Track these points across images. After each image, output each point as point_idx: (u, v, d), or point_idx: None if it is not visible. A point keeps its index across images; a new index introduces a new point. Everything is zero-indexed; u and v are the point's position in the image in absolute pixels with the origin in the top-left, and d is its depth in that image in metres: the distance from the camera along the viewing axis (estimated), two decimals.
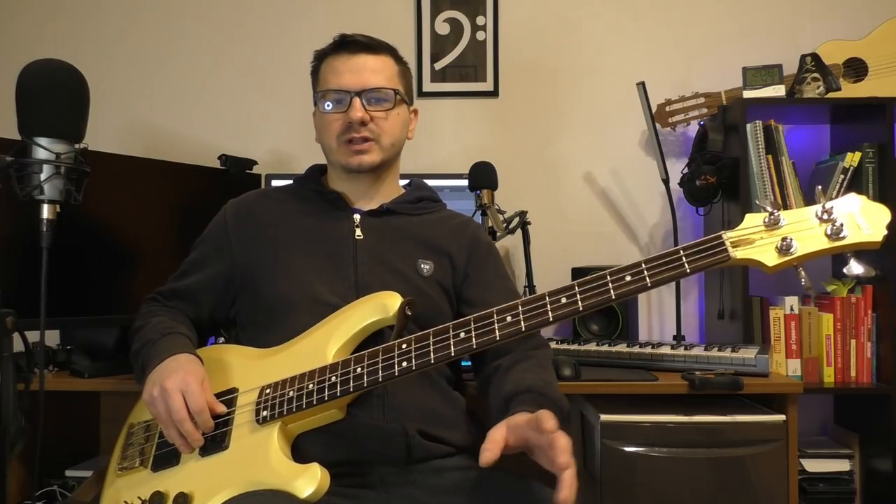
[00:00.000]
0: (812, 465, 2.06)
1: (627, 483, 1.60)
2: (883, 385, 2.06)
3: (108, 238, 1.81)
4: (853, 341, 2.10)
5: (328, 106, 1.38)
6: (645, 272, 1.08)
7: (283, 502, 1.09)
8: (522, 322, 1.12)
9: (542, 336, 1.40)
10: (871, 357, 2.10)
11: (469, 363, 1.45)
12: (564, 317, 1.11)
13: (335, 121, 1.37)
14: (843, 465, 2.08)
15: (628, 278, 1.08)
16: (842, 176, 2.10)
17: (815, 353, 2.10)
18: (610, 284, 1.09)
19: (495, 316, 1.14)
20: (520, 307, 1.13)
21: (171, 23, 2.48)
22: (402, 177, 1.54)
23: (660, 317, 2.40)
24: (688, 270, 1.06)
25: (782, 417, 1.61)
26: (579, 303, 1.10)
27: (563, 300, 1.11)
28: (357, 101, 1.35)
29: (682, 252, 1.07)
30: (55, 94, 1.25)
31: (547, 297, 1.12)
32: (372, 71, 1.38)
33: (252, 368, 1.28)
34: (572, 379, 1.67)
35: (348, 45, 1.39)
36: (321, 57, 1.43)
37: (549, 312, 1.11)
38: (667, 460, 1.59)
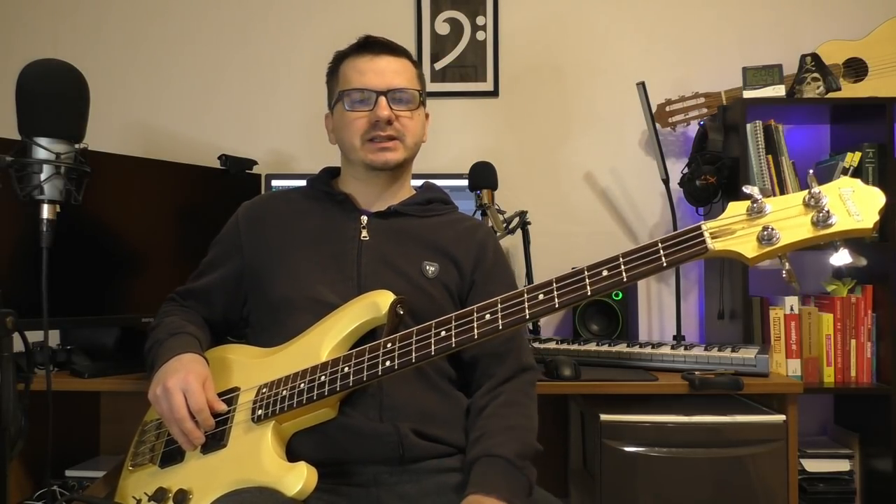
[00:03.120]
0: (812, 465, 2.06)
1: (627, 483, 1.60)
2: (883, 385, 2.07)
3: (108, 238, 1.81)
4: (853, 341, 2.10)
5: (351, 105, 1.38)
6: (622, 266, 1.06)
7: (269, 500, 1.10)
8: (500, 320, 1.11)
9: (528, 354, 1.38)
10: (871, 357, 2.10)
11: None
12: (541, 314, 1.10)
13: (359, 119, 1.37)
14: (843, 465, 2.08)
15: (605, 273, 1.06)
16: (842, 176, 2.10)
17: (815, 353, 2.10)
18: (587, 280, 1.07)
19: (475, 314, 1.13)
20: (499, 304, 1.12)
21: (172, 23, 2.48)
22: (431, 180, 1.55)
23: (660, 317, 2.40)
24: (664, 264, 1.03)
25: (782, 417, 1.61)
26: (555, 300, 1.08)
27: (541, 297, 1.09)
28: (383, 100, 1.36)
29: (659, 245, 1.04)
30: (55, 94, 1.24)
31: (525, 294, 1.11)
32: (395, 72, 1.39)
33: (253, 368, 1.30)
34: (572, 379, 1.67)
35: (371, 46, 1.40)
36: (341, 58, 1.44)
37: (526, 310, 1.10)
38: (667, 460, 1.59)
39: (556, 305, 1.08)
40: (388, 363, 1.15)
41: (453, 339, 1.13)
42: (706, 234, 1.01)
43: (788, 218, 0.98)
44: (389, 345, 1.17)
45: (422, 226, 1.42)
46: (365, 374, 1.16)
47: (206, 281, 1.45)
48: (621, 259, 1.06)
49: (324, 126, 1.49)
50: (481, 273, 1.41)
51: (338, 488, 1.21)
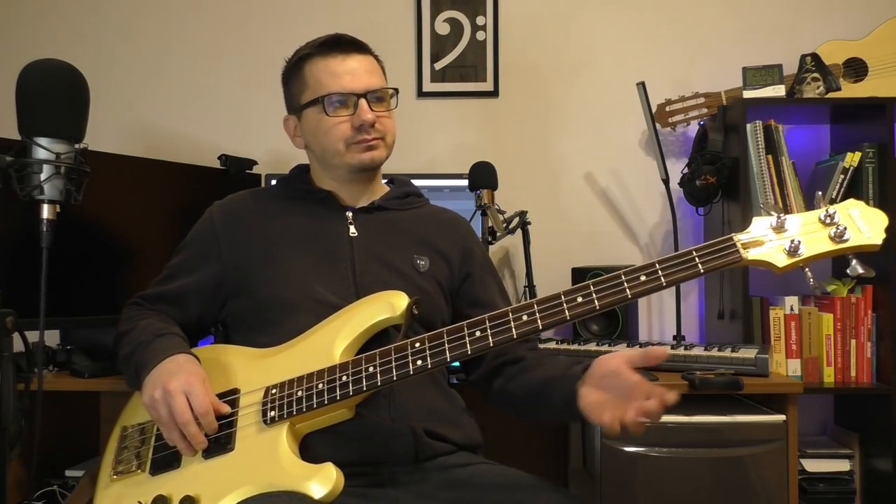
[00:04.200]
0: (812, 465, 2.06)
1: (627, 483, 1.60)
2: (883, 385, 2.06)
3: (108, 238, 1.81)
4: (853, 341, 2.10)
5: (332, 108, 1.35)
6: (659, 272, 1.11)
7: None
8: (539, 321, 1.13)
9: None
10: (871, 357, 2.10)
11: (457, 364, 1.44)
12: (581, 315, 1.13)
13: (341, 123, 1.35)
14: (843, 465, 2.08)
15: (643, 278, 1.11)
16: (842, 176, 2.10)
17: (815, 353, 2.10)
18: (625, 284, 1.11)
19: (511, 315, 1.14)
20: (535, 306, 1.14)
21: (171, 23, 2.48)
22: (400, 175, 1.56)
23: (660, 317, 2.40)
24: (702, 270, 1.10)
25: (782, 417, 1.61)
26: (595, 302, 1.12)
27: (580, 299, 1.12)
28: (364, 102, 1.35)
29: (694, 253, 1.11)
30: (55, 94, 1.24)
31: (563, 297, 1.13)
32: (368, 71, 1.38)
33: (253, 368, 1.27)
34: None
35: (339, 45, 1.38)
36: (303, 59, 1.39)
37: (566, 311, 1.12)
38: (667, 460, 1.59)
39: (597, 308, 1.12)
40: (419, 363, 1.15)
41: (490, 340, 1.14)
42: (738, 245, 1.10)
43: (810, 233, 1.09)
44: (418, 344, 1.16)
45: (404, 219, 1.43)
46: (395, 373, 1.15)
47: (180, 284, 1.40)
48: (658, 266, 1.11)
49: None
50: (475, 266, 1.44)
51: (356, 489, 1.19)
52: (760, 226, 1.12)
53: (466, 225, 1.52)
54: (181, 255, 1.43)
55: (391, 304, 1.23)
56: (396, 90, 1.42)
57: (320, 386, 1.17)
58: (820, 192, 1.13)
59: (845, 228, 1.07)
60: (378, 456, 1.23)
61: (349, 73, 1.36)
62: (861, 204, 1.10)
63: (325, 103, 1.35)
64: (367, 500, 1.20)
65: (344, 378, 1.17)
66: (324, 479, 1.09)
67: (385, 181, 1.52)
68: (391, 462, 1.23)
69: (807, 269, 1.10)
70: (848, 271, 1.08)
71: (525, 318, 1.13)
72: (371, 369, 1.16)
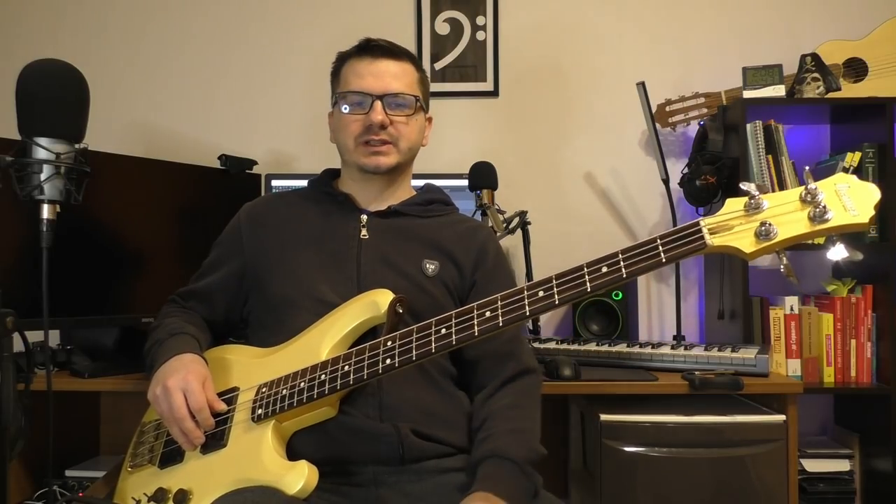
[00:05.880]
0: (812, 465, 2.06)
1: (627, 483, 1.60)
2: (883, 385, 2.07)
3: (109, 238, 1.81)
4: (853, 341, 2.10)
5: (347, 108, 1.39)
6: (621, 262, 1.05)
7: (270, 499, 1.10)
8: (500, 317, 1.11)
9: (530, 356, 1.39)
10: (871, 357, 2.10)
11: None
12: (541, 311, 1.10)
13: (354, 122, 1.38)
14: (843, 465, 2.08)
15: (604, 269, 1.06)
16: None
17: (815, 353, 2.10)
18: (586, 276, 1.07)
19: (475, 311, 1.13)
20: (499, 301, 1.12)
21: (172, 23, 2.48)
22: (432, 181, 1.55)
23: (660, 317, 2.40)
24: (663, 260, 1.03)
25: (782, 417, 1.61)
26: (556, 296, 1.08)
27: (541, 293, 1.09)
28: (378, 104, 1.36)
29: (658, 241, 1.04)
30: (55, 94, 1.24)
31: (525, 291, 1.11)
32: (393, 76, 1.39)
33: (253, 367, 1.30)
34: (572, 379, 1.67)
35: (372, 49, 1.41)
36: (343, 59, 1.44)
37: (527, 307, 1.10)
38: (667, 460, 1.59)
39: (557, 302, 1.08)
40: (388, 361, 1.15)
41: (454, 337, 1.13)
42: (704, 230, 1.02)
43: (785, 213, 0.99)
44: (390, 343, 1.17)
45: (422, 225, 1.42)
46: (365, 372, 1.16)
47: (208, 282, 1.46)
48: (620, 255, 1.06)
49: (326, 125, 1.49)
50: (482, 274, 1.41)
51: (338, 488, 1.22)
52: (733, 207, 1.02)
53: (487, 234, 1.48)
54: (212, 254, 1.49)
55: (375, 303, 1.24)
56: (418, 98, 1.42)
57: (302, 384, 1.19)
58: (808, 168, 1.02)
59: (826, 207, 0.96)
60: (362, 455, 1.23)
61: (373, 75, 1.38)
62: (851, 178, 0.98)
63: (343, 101, 1.39)
64: (348, 498, 1.22)
65: (322, 377, 1.18)
66: (296, 476, 1.11)
67: (418, 186, 1.52)
68: (374, 461, 1.24)
69: (782, 256, 1.00)
70: (828, 255, 0.97)
71: (488, 314, 1.12)
72: (346, 368, 1.17)
